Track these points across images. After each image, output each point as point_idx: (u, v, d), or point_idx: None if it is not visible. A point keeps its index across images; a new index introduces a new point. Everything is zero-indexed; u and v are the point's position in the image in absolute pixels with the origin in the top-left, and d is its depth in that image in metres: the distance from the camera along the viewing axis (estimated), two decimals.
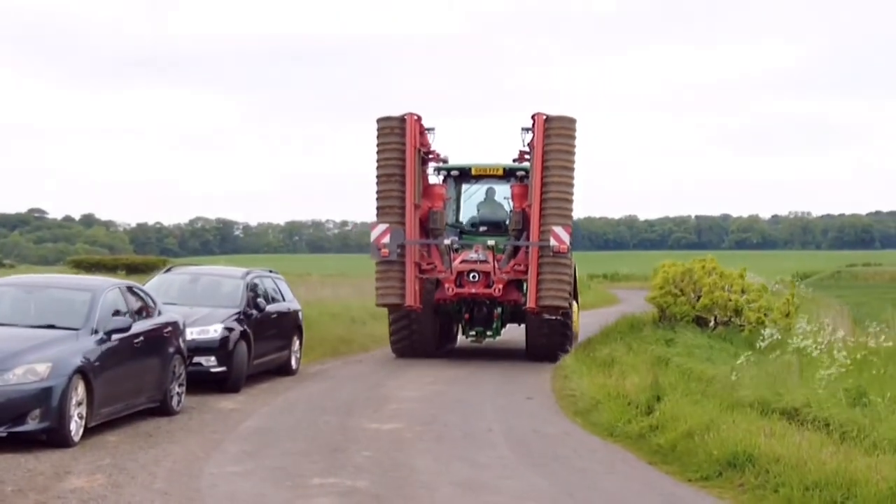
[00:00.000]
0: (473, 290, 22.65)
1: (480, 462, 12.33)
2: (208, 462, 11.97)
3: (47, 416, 12.24)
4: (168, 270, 20.19)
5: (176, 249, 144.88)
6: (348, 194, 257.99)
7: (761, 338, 20.81)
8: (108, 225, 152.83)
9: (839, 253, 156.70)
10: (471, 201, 25.80)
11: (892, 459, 10.57)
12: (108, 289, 14.37)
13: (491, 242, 23.18)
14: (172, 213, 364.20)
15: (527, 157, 23.30)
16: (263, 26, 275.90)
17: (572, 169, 22.48)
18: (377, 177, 23.01)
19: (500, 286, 22.52)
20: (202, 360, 17.18)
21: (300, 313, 21.19)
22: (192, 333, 16.69)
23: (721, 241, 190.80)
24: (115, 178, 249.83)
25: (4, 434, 12.16)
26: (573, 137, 22.47)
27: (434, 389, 18.69)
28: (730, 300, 22.55)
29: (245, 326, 18.18)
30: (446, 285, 22.81)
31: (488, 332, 23.84)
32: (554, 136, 22.29)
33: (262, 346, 18.83)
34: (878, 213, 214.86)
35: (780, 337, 20.08)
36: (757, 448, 11.61)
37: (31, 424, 12.22)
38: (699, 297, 23.27)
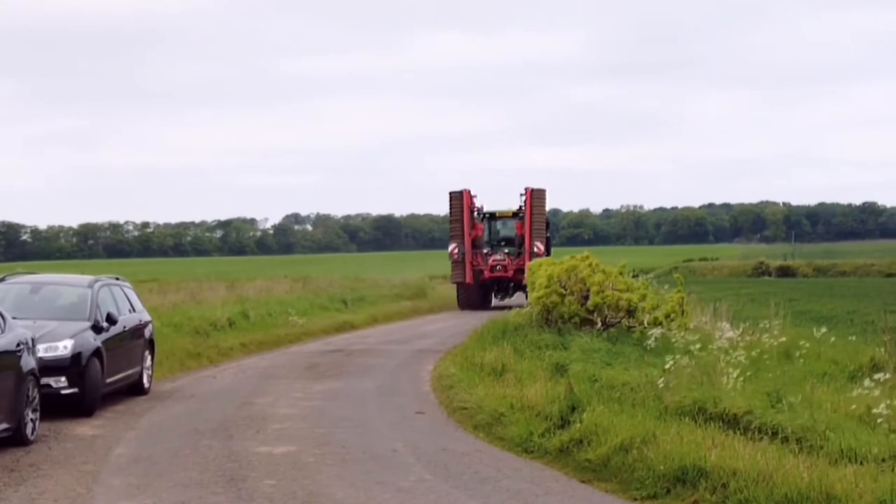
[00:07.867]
0: (499, 275, 47.41)
1: (403, 487, 11.86)
2: (94, 499, 11.21)
3: None
4: (2, 280, 19.03)
5: None
6: (147, 192, 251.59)
7: (653, 338, 20.90)
8: None
9: (673, 248, 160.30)
10: (497, 229, 50.54)
11: (869, 471, 10.45)
12: None
13: (506, 251, 48.41)
14: None
15: (523, 208, 48.28)
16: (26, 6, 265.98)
17: (545, 213, 48.43)
18: (450, 221, 49.27)
19: (511, 272, 46.89)
20: (51, 380, 16.18)
21: (151, 325, 20.34)
22: (38, 350, 15.68)
23: (551, 237, 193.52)
24: None
25: None
26: (545, 199, 48.44)
27: (311, 406, 18.09)
28: (621, 299, 22.51)
29: (97, 341, 17.29)
30: (485, 273, 47.36)
31: (506, 297, 48.60)
32: (535, 198, 47.56)
33: (115, 363, 17.95)
34: (710, 205, 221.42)
35: (678, 338, 20.18)
36: (707, 461, 11.42)
37: None
38: (587, 297, 23.24)
